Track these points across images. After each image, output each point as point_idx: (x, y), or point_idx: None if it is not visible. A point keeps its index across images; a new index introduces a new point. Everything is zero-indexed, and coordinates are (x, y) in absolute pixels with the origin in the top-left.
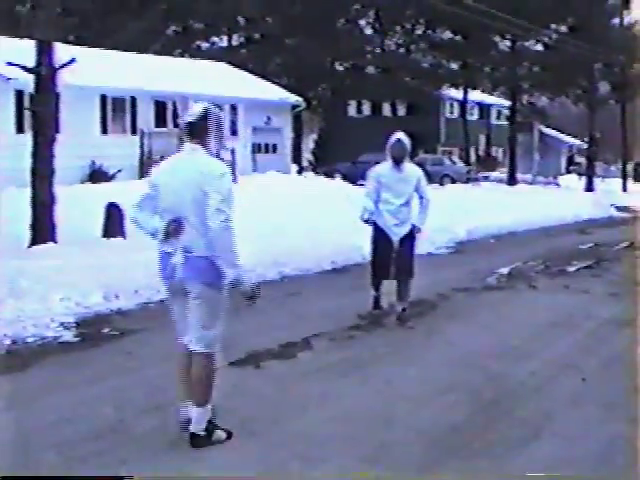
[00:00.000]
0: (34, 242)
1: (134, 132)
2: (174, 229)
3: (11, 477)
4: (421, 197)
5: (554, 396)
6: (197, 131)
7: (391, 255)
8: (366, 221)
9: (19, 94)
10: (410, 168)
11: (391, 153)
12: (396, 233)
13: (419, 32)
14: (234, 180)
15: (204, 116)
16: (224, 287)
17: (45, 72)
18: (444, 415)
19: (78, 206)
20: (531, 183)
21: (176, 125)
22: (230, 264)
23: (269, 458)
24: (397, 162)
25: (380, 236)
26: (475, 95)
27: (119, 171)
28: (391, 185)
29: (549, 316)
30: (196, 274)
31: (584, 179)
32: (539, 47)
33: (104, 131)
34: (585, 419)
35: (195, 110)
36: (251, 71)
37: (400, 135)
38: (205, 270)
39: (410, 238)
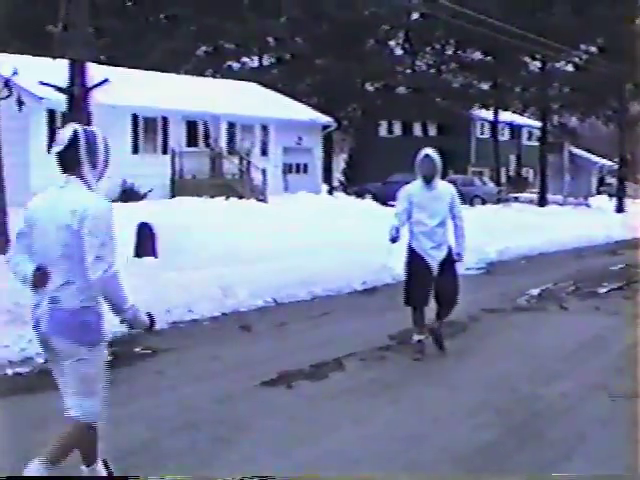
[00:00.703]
0: None
1: (165, 152)
2: (38, 278)
3: (16, 477)
4: (455, 217)
5: (585, 417)
6: (67, 161)
7: (430, 281)
8: (393, 240)
9: (51, 113)
10: (442, 186)
11: (420, 170)
12: (434, 257)
13: (449, 52)
14: (264, 200)
15: (73, 142)
16: (99, 345)
17: (78, 92)
18: (474, 436)
19: None
20: (562, 204)
21: (207, 145)
22: (120, 309)
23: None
24: (427, 180)
25: (416, 260)
26: (506, 116)
27: (150, 190)
28: (424, 205)
29: (579, 337)
30: (63, 330)
31: (615, 200)
32: (569, 68)
33: (135, 150)
34: (616, 440)
35: (62, 136)
36: (281, 91)
37: (429, 151)
38: (74, 326)
39: (450, 261)
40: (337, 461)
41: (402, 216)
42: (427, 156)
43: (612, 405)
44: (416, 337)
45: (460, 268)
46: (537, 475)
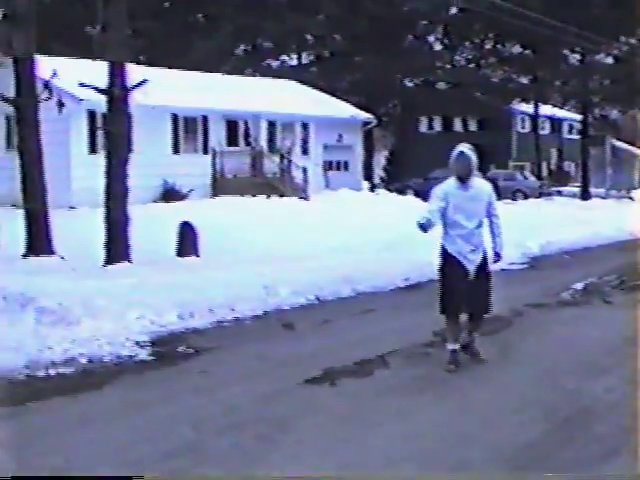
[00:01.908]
0: (109, 261)
1: (206, 151)
2: None
3: (21, 477)
4: (491, 216)
5: (631, 412)
6: None
7: (466, 287)
8: (422, 226)
9: (91, 115)
10: (479, 184)
11: (455, 169)
12: (472, 261)
13: (488, 47)
14: (305, 198)
15: None
16: None
17: (117, 93)
18: (520, 432)
19: (152, 225)
20: (604, 197)
21: (248, 144)
22: None
23: (345, 477)
24: (462, 179)
25: (452, 264)
26: (546, 109)
27: (191, 190)
28: (462, 206)
29: (624, 332)
30: None
31: None
32: (609, 60)
33: (176, 150)
34: None
35: None
36: (321, 89)
37: (463, 147)
38: None
39: (485, 267)
40: (382, 460)
41: (436, 215)
42: (462, 154)
43: None
44: (450, 346)
45: (502, 265)
46: (537, 475)
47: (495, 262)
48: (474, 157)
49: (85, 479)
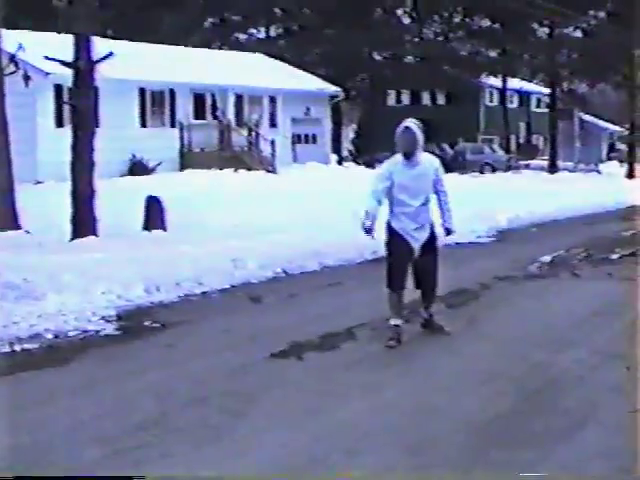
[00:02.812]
0: (75, 235)
1: (173, 125)
2: None
3: (24, 477)
4: (438, 192)
5: (598, 385)
6: None
7: (409, 263)
8: (367, 230)
9: (58, 88)
10: (426, 160)
11: (400, 145)
12: (417, 239)
13: (457, 20)
14: (273, 171)
15: None
16: None
17: (84, 66)
18: (488, 405)
19: (119, 199)
20: (572, 171)
21: (215, 117)
22: None
23: (312, 450)
24: (408, 156)
25: (397, 241)
26: (514, 83)
27: (159, 164)
28: (406, 184)
29: (592, 304)
30: None
31: (625, 166)
32: (578, 34)
33: (143, 124)
34: (630, 408)
35: None
36: (289, 62)
37: (409, 122)
38: None
39: (432, 244)
40: (349, 433)
41: (380, 195)
42: (407, 129)
43: (626, 373)
44: (392, 321)
45: (470, 235)
46: (537, 475)
47: (447, 236)
48: (420, 133)
49: (85, 479)
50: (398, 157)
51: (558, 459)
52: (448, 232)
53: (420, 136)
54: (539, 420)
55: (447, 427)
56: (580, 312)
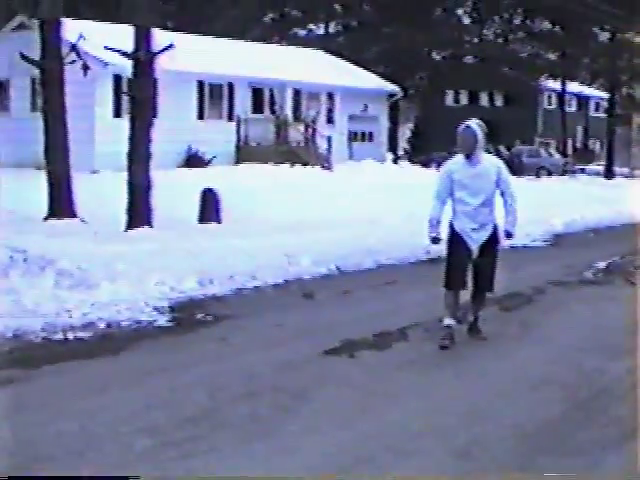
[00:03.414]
0: (130, 226)
1: (230, 118)
2: None
3: (17, 477)
4: (503, 194)
5: None
6: None
7: (468, 263)
8: (434, 240)
9: (117, 79)
10: (487, 160)
11: (459, 144)
12: (475, 240)
13: (517, 22)
14: (329, 168)
15: None
16: None
17: (143, 57)
18: (538, 411)
19: (174, 191)
20: (628, 176)
21: (273, 112)
22: None
23: (361, 449)
24: (468, 155)
25: (457, 241)
26: (573, 86)
27: (215, 157)
28: (465, 182)
29: None
30: None
31: None
32: (639, 39)
33: (201, 117)
34: None
35: None
36: (348, 59)
37: (470, 122)
38: None
39: (492, 245)
40: (398, 433)
41: (443, 195)
42: (467, 128)
43: None
44: (446, 321)
45: (525, 239)
46: (536, 475)
47: (507, 239)
48: (480, 132)
49: (82, 479)
50: (459, 157)
51: (607, 468)
52: (508, 235)
53: (480, 135)
54: (589, 428)
55: (496, 431)
56: (634, 320)
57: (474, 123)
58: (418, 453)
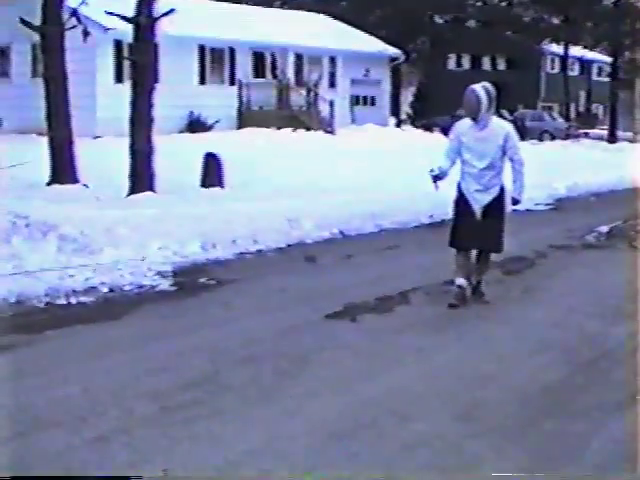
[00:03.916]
0: (133, 191)
1: (232, 83)
2: None
3: (21, 477)
4: (511, 160)
5: None
6: None
7: (473, 224)
8: (434, 178)
9: (118, 44)
10: (496, 124)
11: (464, 107)
12: (478, 200)
13: None
14: (331, 132)
15: None
16: None
17: (144, 22)
18: (540, 375)
19: (176, 156)
20: (632, 141)
21: (274, 76)
22: None
23: (362, 413)
24: (474, 118)
25: (464, 201)
26: (576, 51)
27: (217, 121)
28: (471, 145)
29: None
30: None
31: None
32: None
33: (202, 81)
34: None
35: None
36: (350, 23)
37: (476, 86)
38: None
39: (497, 207)
40: (399, 397)
41: (451, 154)
42: (471, 91)
43: None
44: (457, 281)
45: (528, 203)
46: (537, 475)
47: (514, 205)
48: (485, 96)
49: (84, 479)
50: (467, 119)
51: (608, 432)
52: (515, 202)
53: (485, 99)
54: (591, 392)
55: (498, 395)
56: (637, 284)
57: (480, 87)
58: (420, 417)
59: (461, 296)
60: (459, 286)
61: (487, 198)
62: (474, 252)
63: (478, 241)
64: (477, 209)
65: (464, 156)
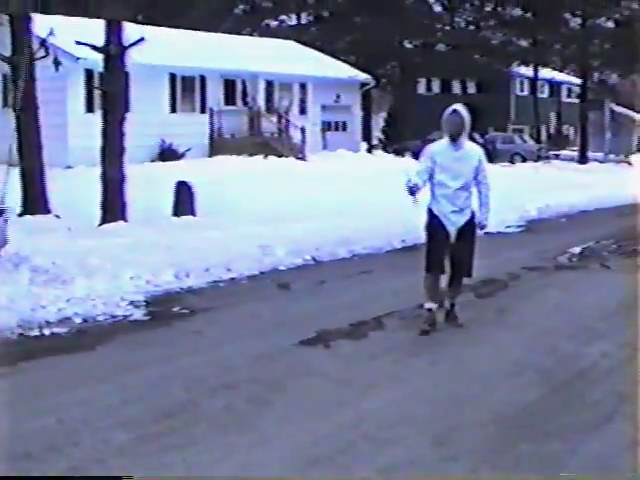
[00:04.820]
0: (104, 221)
1: (203, 111)
2: None
3: (9, 477)
4: (479, 183)
5: (626, 378)
6: None
7: (446, 247)
8: (412, 190)
9: (89, 73)
10: (469, 146)
11: (446, 127)
12: (453, 222)
13: (488, 9)
14: (303, 158)
15: None
16: None
17: (114, 51)
18: (516, 396)
19: (148, 185)
20: (602, 161)
21: (245, 103)
22: None
23: (338, 439)
24: (453, 138)
25: (436, 224)
26: (545, 73)
27: (189, 150)
28: (447, 165)
29: (621, 296)
30: None
31: None
32: (610, 24)
33: (173, 110)
34: None
35: None
36: (320, 49)
37: (457, 106)
38: None
39: (470, 229)
40: (375, 423)
41: (424, 175)
42: (455, 112)
43: None
44: (427, 305)
45: (500, 225)
46: (537, 476)
47: (480, 230)
48: (467, 116)
49: (76, 479)
50: (443, 140)
51: (586, 452)
52: (481, 227)
53: (467, 120)
54: (567, 413)
55: (475, 418)
56: (609, 304)
57: (461, 107)
58: (396, 442)
59: (432, 319)
60: (429, 309)
61: (462, 220)
62: (445, 275)
63: (454, 265)
64: (452, 231)
65: (438, 177)
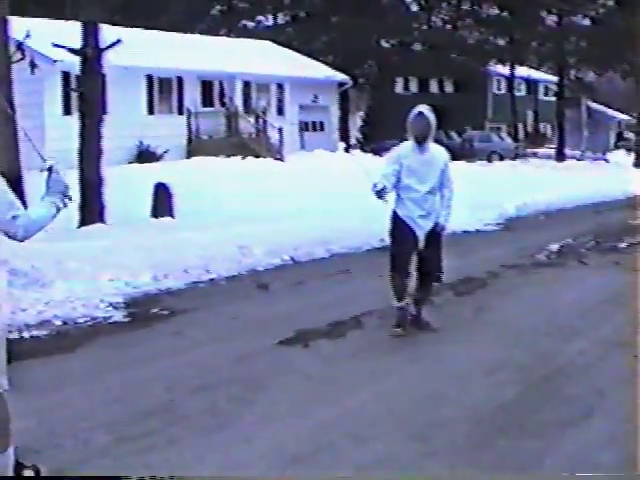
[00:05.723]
0: (83, 223)
1: (181, 112)
2: None
3: (9, 477)
4: (443, 186)
5: (604, 374)
6: None
7: (413, 251)
8: (379, 193)
9: (66, 76)
10: (436, 149)
11: (412, 130)
12: (421, 226)
13: (465, 8)
14: (281, 158)
15: None
16: None
17: (91, 53)
18: (494, 393)
19: (126, 187)
20: (580, 159)
21: (223, 104)
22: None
23: (318, 437)
24: (419, 141)
25: (402, 228)
26: (522, 71)
27: (166, 151)
28: (414, 168)
29: (600, 293)
30: None
31: (633, 154)
32: (586, 22)
33: (151, 111)
34: (636, 397)
35: None
36: (297, 50)
37: (423, 108)
38: None
39: (437, 234)
40: (355, 420)
41: (391, 178)
42: (420, 114)
43: (633, 362)
44: (397, 304)
45: (478, 224)
46: (538, 475)
47: (440, 232)
48: (433, 118)
49: (73, 479)
50: (409, 142)
51: (564, 448)
52: (441, 228)
53: (433, 122)
54: (545, 409)
55: (453, 415)
56: (587, 301)
57: (426, 109)
58: (375, 439)
59: (402, 321)
60: (400, 308)
61: (429, 224)
62: (412, 275)
63: (423, 272)
64: (421, 235)
65: (405, 181)
